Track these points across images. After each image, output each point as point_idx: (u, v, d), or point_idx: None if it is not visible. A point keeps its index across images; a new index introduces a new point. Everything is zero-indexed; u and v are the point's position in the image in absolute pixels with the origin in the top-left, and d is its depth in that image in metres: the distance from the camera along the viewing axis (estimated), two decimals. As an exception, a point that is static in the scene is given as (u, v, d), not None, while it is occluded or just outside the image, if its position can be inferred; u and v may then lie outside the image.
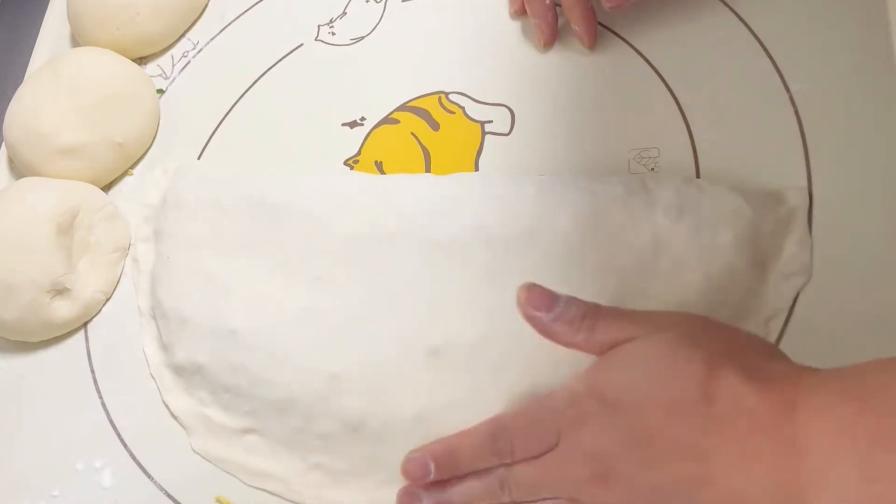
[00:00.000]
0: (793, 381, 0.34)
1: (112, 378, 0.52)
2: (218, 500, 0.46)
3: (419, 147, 0.53)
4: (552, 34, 0.53)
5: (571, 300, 0.40)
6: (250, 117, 0.59)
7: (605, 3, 0.50)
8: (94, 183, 0.57)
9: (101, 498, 0.48)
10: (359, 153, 0.54)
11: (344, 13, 0.61)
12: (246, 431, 0.47)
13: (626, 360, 0.37)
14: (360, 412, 0.45)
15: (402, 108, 0.55)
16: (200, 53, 0.63)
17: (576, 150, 0.50)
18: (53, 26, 0.68)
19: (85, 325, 0.54)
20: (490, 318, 0.45)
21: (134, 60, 0.62)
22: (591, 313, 0.39)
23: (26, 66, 0.66)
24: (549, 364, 0.43)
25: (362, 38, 0.59)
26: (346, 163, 0.54)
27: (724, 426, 0.34)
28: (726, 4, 0.52)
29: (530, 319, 0.40)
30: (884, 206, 0.43)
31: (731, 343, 0.37)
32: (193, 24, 0.64)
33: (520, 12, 0.56)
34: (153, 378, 0.50)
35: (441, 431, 0.43)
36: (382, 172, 0.53)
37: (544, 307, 0.39)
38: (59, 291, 0.52)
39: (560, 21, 0.54)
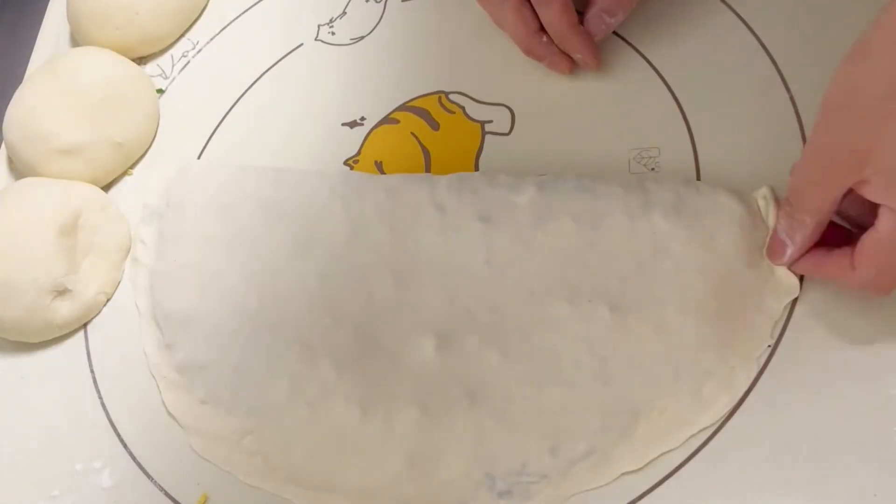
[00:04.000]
0: None
1: (112, 378, 0.52)
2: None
3: (419, 147, 0.53)
4: (568, 62, 0.52)
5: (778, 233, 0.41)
6: (250, 117, 0.59)
7: (594, 34, 0.50)
8: (93, 183, 0.57)
9: (101, 498, 0.48)
10: (359, 153, 0.54)
11: (344, 13, 0.61)
12: (246, 431, 0.47)
13: None
14: (361, 412, 0.45)
15: (402, 107, 0.55)
16: (200, 53, 0.63)
17: (576, 149, 0.50)
18: (53, 26, 0.68)
19: (85, 325, 0.54)
20: (491, 317, 0.45)
21: (134, 60, 0.62)
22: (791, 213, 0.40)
23: (26, 65, 0.66)
24: (552, 363, 0.43)
25: (362, 37, 0.59)
26: (346, 163, 0.54)
27: None
28: (726, 4, 0.52)
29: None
30: (884, 206, 0.43)
31: None
32: (193, 23, 0.64)
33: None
34: (153, 378, 0.50)
35: (443, 430, 0.43)
36: (382, 172, 0.53)
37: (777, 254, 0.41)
38: (61, 292, 0.52)
39: None
